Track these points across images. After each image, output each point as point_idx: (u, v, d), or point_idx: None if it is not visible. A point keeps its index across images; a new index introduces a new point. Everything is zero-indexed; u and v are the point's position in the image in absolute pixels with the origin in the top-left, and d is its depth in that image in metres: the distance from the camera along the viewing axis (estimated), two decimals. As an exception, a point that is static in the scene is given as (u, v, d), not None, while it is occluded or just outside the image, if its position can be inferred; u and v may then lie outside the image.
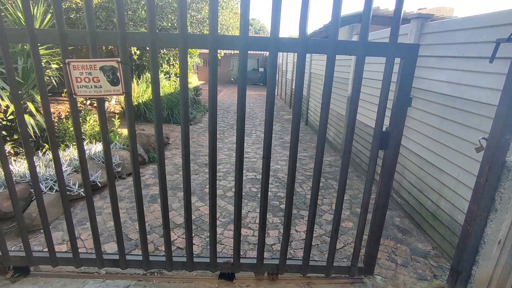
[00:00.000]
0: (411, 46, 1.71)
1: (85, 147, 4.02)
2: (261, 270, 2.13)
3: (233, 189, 3.79)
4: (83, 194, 3.33)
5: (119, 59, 1.61)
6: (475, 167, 2.25)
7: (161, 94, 8.12)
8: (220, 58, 11.01)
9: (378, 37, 4.14)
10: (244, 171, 4.46)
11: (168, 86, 8.72)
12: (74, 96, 1.67)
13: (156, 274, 2.17)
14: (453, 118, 2.60)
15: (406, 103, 1.79)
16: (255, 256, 2.10)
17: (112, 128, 5.02)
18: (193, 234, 2.77)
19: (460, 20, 2.65)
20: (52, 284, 2.06)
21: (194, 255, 2.12)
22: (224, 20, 8.65)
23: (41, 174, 3.11)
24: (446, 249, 2.59)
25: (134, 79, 8.04)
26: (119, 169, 3.97)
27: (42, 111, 4.51)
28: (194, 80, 10.94)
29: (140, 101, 7.18)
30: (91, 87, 1.66)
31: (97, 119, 4.86)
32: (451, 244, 2.52)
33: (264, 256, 2.11)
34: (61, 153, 3.72)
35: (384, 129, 1.86)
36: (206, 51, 1.65)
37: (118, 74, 1.64)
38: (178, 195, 3.66)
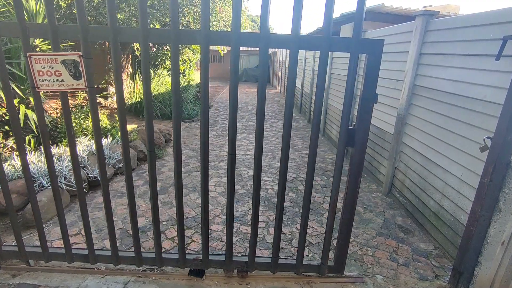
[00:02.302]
0: (375, 42, 1.67)
1: (87, 143, 4.02)
2: (230, 267, 2.12)
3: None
4: (85, 190, 3.34)
5: (80, 53, 1.60)
6: (479, 166, 2.22)
7: (164, 90, 8.13)
8: (223, 54, 10.95)
9: (380, 34, 4.08)
10: (246, 169, 4.46)
11: (171, 82, 8.73)
12: (37, 90, 1.67)
13: (155, 270, 2.17)
14: (458, 117, 2.57)
15: (371, 100, 1.76)
16: (224, 253, 2.08)
17: (114, 124, 5.02)
18: (193, 231, 2.79)
19: (466, 17, 2.60)
20: (52, 279, 2.06)
21: (163, 251, 2.12)
22: (227, 17, 8.60)
23: (43, 169, 3.12)
24: (448, 249, 2.57)
25: (137, 75, 8.05)
26: (121, 165, 3.97)
27: (44, 107, 4.52)
28: (197, 77, 10.93)
29: (143, 97, 7.19)
30: (54, 81, 1.66)
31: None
32: (453, 244, 2.50)
33: (234, 253, 2.09)
34: (62, 148, 3.73)
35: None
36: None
37: (80, 68, 1.63)
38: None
